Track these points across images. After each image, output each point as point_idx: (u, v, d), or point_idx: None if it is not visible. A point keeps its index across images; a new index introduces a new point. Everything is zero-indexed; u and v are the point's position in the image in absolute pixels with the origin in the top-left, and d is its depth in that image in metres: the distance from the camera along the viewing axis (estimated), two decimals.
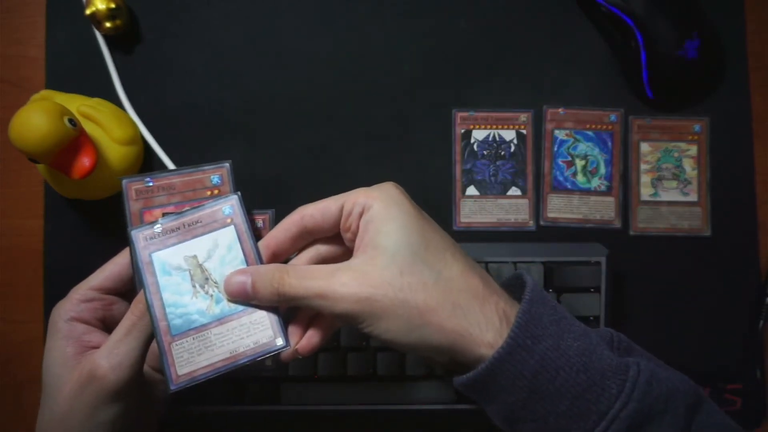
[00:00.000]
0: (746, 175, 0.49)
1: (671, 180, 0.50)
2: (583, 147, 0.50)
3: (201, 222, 0.36)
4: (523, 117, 0.50)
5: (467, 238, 0.49)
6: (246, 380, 0.45)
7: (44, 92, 0.46)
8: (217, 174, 0.37)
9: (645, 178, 0.50)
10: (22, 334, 0.49)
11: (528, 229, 0.50)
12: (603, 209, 0.49)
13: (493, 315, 0.32)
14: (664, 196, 0.49)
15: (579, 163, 0.50)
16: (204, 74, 0.50)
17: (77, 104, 0.45)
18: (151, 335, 0.35)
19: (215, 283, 0.36)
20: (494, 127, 0.50)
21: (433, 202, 0.49)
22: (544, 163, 0.50)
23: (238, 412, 0.46)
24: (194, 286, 0.36)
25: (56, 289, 0.48)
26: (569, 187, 0.50)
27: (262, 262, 0.36)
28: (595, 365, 0.31)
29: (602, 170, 0.50)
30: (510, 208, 0.50)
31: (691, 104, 0.50)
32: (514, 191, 0.50)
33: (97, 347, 0.36)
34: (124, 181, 0.37)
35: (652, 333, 0.49)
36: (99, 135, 0.45)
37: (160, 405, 0.40)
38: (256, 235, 0.37)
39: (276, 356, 0.35)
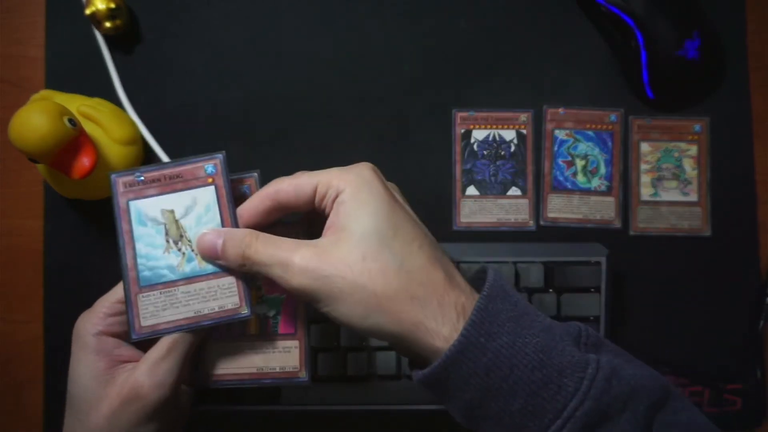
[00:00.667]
0: (746, 175, 0.49)
1: (671, 180, 0.50)
2: (583, 147, 0.50)
3: (182, 177, 0.36)
4: (523, 117, 0.50)
5: (467, 238, 0.49)
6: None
7: (44, 92, 0.46)
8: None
9: (645, 178, 0.50)
10: (22, 334, 0.49)
11: (528, 229, 0.50)
12: (603, 209, 0.49)
13: (451, 310, 0.32)
14: (664, 196, 0.49)
15: (579, 163, 0.50)
16: (204, 74, 0.50)
17: (77, 104, 0.45)
18: (191, 351, 0.35)
19: (189, 241, 0.35)
20: (494, 127, 0.50)
21: (433, 202, 0.49)
22: (544, 163, 0.50)
23: (239, 412, 0.46)
24: (168, 241, 0.35)
25: (56, 289, 0.48)
26: (569, 187, 0.50)
27: (238, 227, 0.36)
28: (554, 362, 0.31)
29: (602, 170, 0.50)
30: (510, 208, 0.50)
31: (691, 104, 0.50)
32: (514, 191, 0.50)
33: (127, 361, 0.36)
34: (113, 176, 0.36)
35: (652, 333, 0.49)
36: (99, 135, 0.45)
37: (186, 414, 0.40)
38: (239, 200, 0.36)
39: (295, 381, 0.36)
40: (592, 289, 0.46)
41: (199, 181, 0.36)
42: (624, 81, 0.50)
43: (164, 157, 0.49)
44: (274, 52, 0.50)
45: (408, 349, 0.33)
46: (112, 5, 0.47)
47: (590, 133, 0.50)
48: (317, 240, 0.33)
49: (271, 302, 0.36)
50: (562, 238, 0.49)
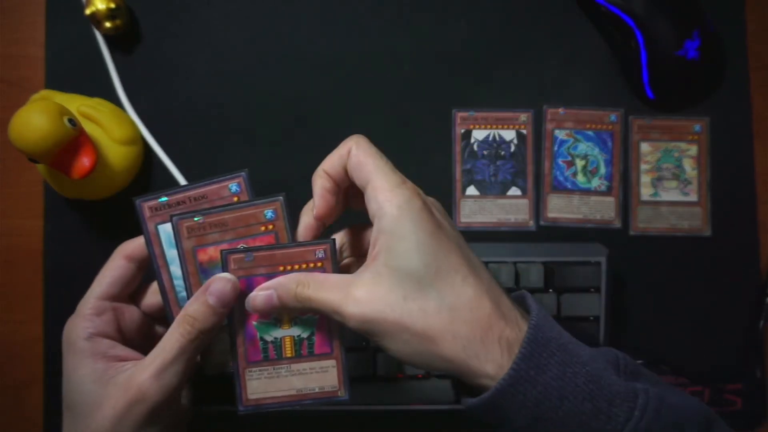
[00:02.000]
0: (746, 175, 0.49)
1: (671, 180, 0.50)
2: (583, 147, 0.50)
3: (206, 198, 0.37)
4: (523, 117, 0.50)
5: (467, 238, 0.49)
6: None
7: (44, 92, 0.46)
8: (271, 208, 0.36)
9: (645, 178, 0.50)
10: (22, 334, 0.49)
11: (528, 229, 0.50)
12: (603, 209, 0.49)
13: (495, 346, 0.32)
14: (664, 196, 0.49)
15: (579, 163, 0.50)
16: (204, 74, 0.50)
17: (77, 104, 0.45)
18: (197, 355, 0.35)
19: None
20: (494, 127, 0.50)
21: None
22: (545, 163, 0.50)
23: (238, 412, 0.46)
24: None
25: (56, 289, 0.49)
26: (569, 187, 0.50)
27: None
28: (603, 392, 0.31)
29: (602, 170, 0.50)
30: (510, 208, 0.50)
31: (691, 104, 0.50)
32: (514, 191, 0.50)
33: (124, 360, 0.36)
34: (174, 218, 0.36)
35: (652, 333, 0.49)
36: (99, 135, 0.45)
37: (188, 415, 0.41)
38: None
39: None
40: (592, 289, 0.46)
41: (223, 200, 0.37)
42: (624, 81, 0.50)
43: (164, 158, 0.49)
44: (274, 52, 0.50)
45: (459, 380, 0.33)
46: (112, 5, 0.47)
47: (590, 133, 0.50)
48: (361, 275, 0.33)
49: (305, 323, 0.36)
50: (562, 238, 0.49)
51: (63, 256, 0.49)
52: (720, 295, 0.49)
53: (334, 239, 0.35)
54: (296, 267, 0.35)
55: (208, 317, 0.34)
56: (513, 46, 0.50)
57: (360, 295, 0.32)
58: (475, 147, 0.50)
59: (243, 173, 0.37)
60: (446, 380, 0.45)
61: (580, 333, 0.46)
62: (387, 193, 0.33)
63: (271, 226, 0.36)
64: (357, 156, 0.35)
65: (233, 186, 0.37)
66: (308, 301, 0.34)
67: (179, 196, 0.36)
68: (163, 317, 0.39)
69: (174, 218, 0.36)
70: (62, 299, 0.48)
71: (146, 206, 0.36)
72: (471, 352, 0.31)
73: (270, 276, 0.35)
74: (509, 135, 0.50)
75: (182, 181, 0.49)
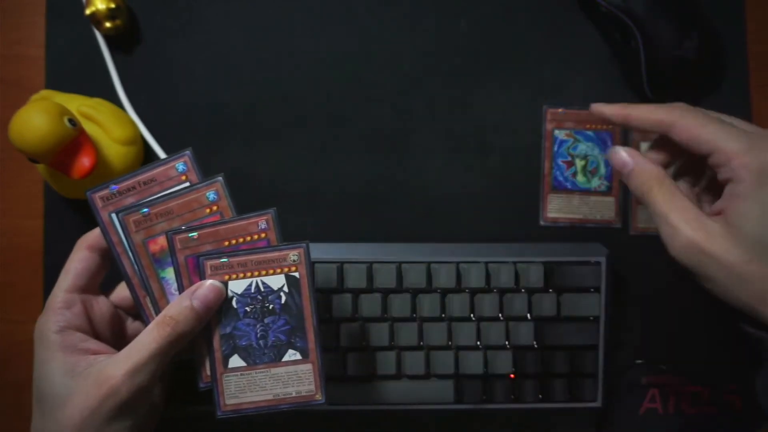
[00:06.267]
0: None
1: None
2: (583, 147, 0.50)
3: (155, 180, 0.37)
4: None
5: (469, 237, 0.49)
6: None
7: (44, 92, 0.46)
8: (212, 190, 0.36)
9: None
10: (22, 334, 0.49)
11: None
12: (603, 209, 0.49)
13: None
14: None
15: (579, 163, 0.50)
16: (204, 74, 0.50)
17: (77, 104, 0.45)
18: (171, 355, 0.35)
19: None
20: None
21: (433, 200, 0.49)
22: (544, 163, 0.50)
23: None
24: None
25: None
26: (569, 187, 0.50)
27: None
28: None
29: (602, 170, 0.50)
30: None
31: (690, 104, 0.50)
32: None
33: (96, 353, 0.35)
34: (120, 215, 0.36)
35: (652, 333, 0.49)
36: (99, 135, 0.45)
37: (160, 408, 0.41)
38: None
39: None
40: (592, 289, 0.46)
41: (173, 180, 0.37)
42: (624, 81, 0.50)
43: (163, 156, 0.48)
44: (275, 52, 0.50)
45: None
46: (112, 5, 0.47)
47: (590, 133, 0.50)
48: (709, 220, 0.34)
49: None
50: (562, 238, 0.49)
51: (63, 256, 0.48)
52: None
53: (275, 209, 0.36)
54: (241, 240, 0.36)
55: (190, 321, 0.34)
56: (513, 46, 0.50)
57: (701, 234, 0.34)
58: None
59: (188, 152, 0.37)
60: (446, 380, 0.45)
61: (580, 333, 0.46)
62: (746, 156, 0.34)
63: (215, 207, 0.36)
64: (688, 129, 0.36)
65: (180, 165, 0.37)
66: (651, 200, 0.36)
67: (128, 183, 0.36)
68: (134, 310, 0.39)
69: (120, 214, 0.36)
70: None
71: (97, 197, 0.36)
72: None
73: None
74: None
75: None
